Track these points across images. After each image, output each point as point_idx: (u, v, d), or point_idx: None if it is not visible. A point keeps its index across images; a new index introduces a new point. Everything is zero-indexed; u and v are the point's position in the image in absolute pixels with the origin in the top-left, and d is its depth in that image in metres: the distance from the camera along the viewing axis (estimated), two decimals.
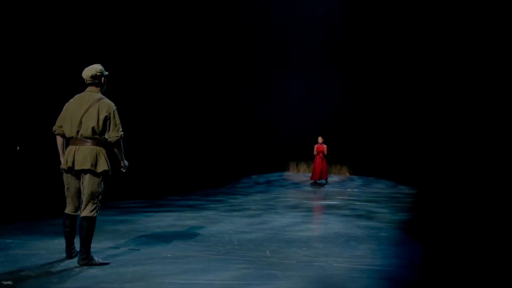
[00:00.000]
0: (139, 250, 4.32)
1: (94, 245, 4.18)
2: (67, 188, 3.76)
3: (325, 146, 13.64)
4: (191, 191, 11.73)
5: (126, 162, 4.00)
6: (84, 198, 3.66)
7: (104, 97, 3.77)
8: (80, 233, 3.62)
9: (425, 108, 15.26)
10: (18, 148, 13.02)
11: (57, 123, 3.75)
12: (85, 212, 3.64)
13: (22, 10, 11.80)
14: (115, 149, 3.82)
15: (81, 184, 3.68)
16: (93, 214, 3.64)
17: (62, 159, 3.76)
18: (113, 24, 13.98)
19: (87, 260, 3.62)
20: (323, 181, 13.73)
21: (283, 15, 16.96)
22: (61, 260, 3.82)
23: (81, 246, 3.62)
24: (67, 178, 3.73)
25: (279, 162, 16.26)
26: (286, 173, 16.04)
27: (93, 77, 3.73)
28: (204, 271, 3.59)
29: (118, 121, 3.73)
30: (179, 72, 15.98)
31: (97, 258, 3.72)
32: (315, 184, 13.66)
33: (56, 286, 3.12)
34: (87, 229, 3.60)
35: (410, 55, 15.48)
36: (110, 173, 3.77)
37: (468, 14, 14.19)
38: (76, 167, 3.61)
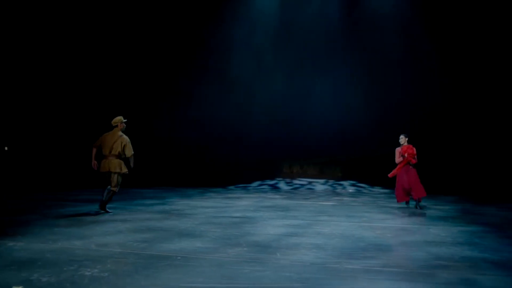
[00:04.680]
0: (173, 249, 4.24)
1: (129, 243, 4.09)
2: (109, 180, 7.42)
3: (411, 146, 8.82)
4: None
5: (132, 166, 7.64)
6: (112, 183, 7.32)
7: (123, 134, 7.44)
8: (107, 194, 7.35)
9: (460, 111, 14.40)
10: (6, 148, 12.76)
11: (97, 142, 7.36)
12: (111, 187, 7.35)
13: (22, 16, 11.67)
14: (130, 159, 7.41)
15: (110, 177, 7.34)
16: (115, 189, 7.37)
17: (93, 161, 7.29)
18: (115, 26, 13.85)
19: (104, 207, 7.38)
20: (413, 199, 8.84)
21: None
22: (70, 264, 3.72)
23: (105, 199, 7.33)
24: (104, 175, 7.38)
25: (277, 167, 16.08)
26: (283, 178, 16.08)
27: (115, 122, 7.43)
28: (218, 274, 3.52)
29: (131, 146, 7.41)
30: (189, 77, 16.07)
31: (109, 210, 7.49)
32: (407, 204, 8.96)
33: None
34: (110, 194, 7.36)
35: (443, 56, 14.47)
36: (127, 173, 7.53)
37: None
38: (112, 170, 7.31)
